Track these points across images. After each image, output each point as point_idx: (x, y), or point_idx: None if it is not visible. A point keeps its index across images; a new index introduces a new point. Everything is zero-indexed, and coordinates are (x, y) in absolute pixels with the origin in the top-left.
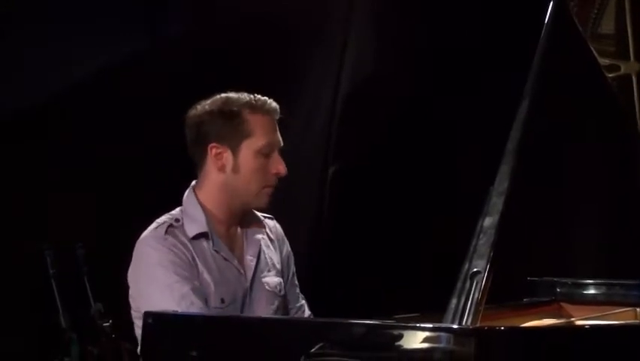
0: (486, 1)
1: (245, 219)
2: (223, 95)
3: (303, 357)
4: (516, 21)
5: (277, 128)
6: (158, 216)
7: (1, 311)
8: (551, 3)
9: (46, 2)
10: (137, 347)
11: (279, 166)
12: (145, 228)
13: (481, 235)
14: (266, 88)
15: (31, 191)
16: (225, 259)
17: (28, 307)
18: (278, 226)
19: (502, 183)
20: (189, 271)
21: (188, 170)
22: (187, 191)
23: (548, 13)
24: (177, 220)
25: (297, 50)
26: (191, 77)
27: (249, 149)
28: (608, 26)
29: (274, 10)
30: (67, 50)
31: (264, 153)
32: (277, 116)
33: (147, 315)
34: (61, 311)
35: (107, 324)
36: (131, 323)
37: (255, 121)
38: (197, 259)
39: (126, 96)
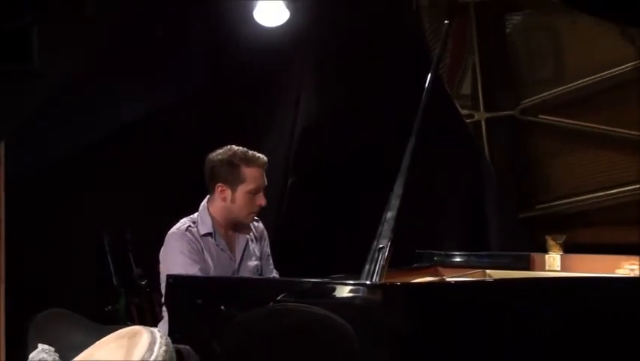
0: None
1: (239, 225)
2: (232, 149)
3: (271, 303)
4: (409, 80)
5: (264, 175)
6: (181, 217)
7: (74, 275)
8: (429, 74)
9: (102, 68)
10: (162, 298)
11: (262, 201)
12: (173, 224)
13: (385, 223)
14: (249, 128)
15: (96, 196)
16: (222, 250)
17: (93, 272)
18: (261, 225)
19: (398, 189)
20: (198, 257)
21: (202, 187)
22: (203, 203)
23: (427, 80)
24: (194, 222)
25: (268, 103)
26: (204, 117)
27: (242, 190)
28: (466, 89)
29: (256, 74)
30: (122, 101)
31: (252, 193)
32: (265, 167)
33: (169, 277)
34: (113, 274)
35: (144, 283)
36: (159, 281)
37: (248, 172)
38: (204, 249)
39: (165, 130)
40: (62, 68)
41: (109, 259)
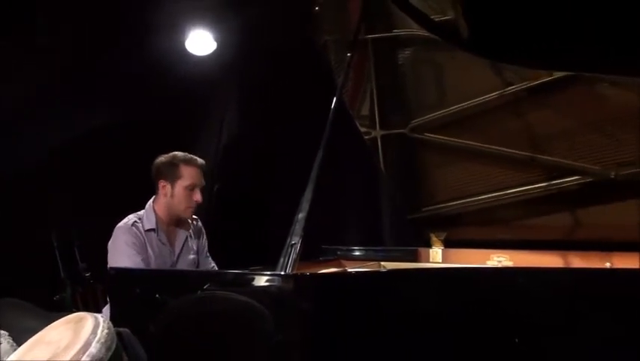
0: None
1: (179, 221)
2: (174, 153)
3: (199, 292)
4: (317, 103)
5: (200, 175)
6: (128, 214)
7: (27, 269)
8: (334, 98)
9: (52, 90)
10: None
11: (197, 197)
12: (114, 224)
13: (296, 223)
14: (181, 142)
15: (45, 199)
16: (163, 244)
17: (42, 266)
18: (199, 223)
19: (308, 194)
20: (141, 249)
21: (138, 194)
22: (149, 202)
23: (333, 103)
24: (140, 219)
25: (197, 121)
26: (141, 133)
27: (179, 186)
28: (365, 110)
29: (187, 96)
30: (68, 118)
31: (189, 189)
32: (202, 168)
33: (111, 269)
34: (61, 267)
35: (88, 275)
36: (102, 274)
37: (185, 170)
38: (147, 243)
39: (107, 144)
40: (17, 89)
41: (57, 254)
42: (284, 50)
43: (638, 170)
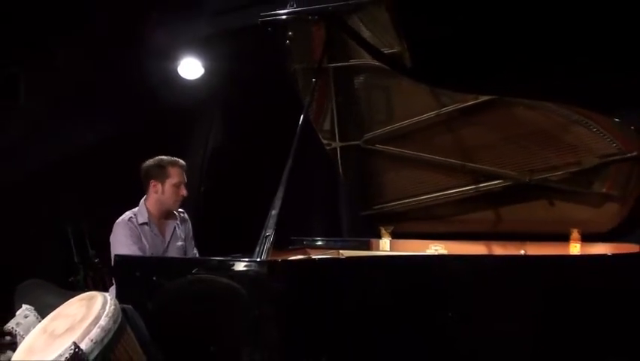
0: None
1: (169, 215)
2: (160, 157)
3: (189, 275)
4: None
5: (184, 174)
6: (126, 210)
7: (47, 255)
8: (302, 116)
9: (67, 104)
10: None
11: (184, 192)
12: (119, 216)
13: (270, 218)
14: (173, 150)
15: (62, 197)
16: (155, 235)
17: (58, 251)
18: (185, 215)
19: (279, 194)
20: (137, 240)
21: (137, 191)
22: (141, 200)
23: (300, 120)
24: (134, 215)
25: (187, 134)
26: (138, 143)
27: (169, 184)
28: (326, 124)
29: (179, 113)
30: (80, 127)
31: (176, 186)
32: (184, 168)
33: (116, 256)
34: (75, 253)
35: (97, 260)
36: (109, 260)
37: (172, 170)
38: (142, 235)
39: (111, 150)
40: (40, 103)
41: (71, 243)
42: (260, 76)
43: (546, 176)
